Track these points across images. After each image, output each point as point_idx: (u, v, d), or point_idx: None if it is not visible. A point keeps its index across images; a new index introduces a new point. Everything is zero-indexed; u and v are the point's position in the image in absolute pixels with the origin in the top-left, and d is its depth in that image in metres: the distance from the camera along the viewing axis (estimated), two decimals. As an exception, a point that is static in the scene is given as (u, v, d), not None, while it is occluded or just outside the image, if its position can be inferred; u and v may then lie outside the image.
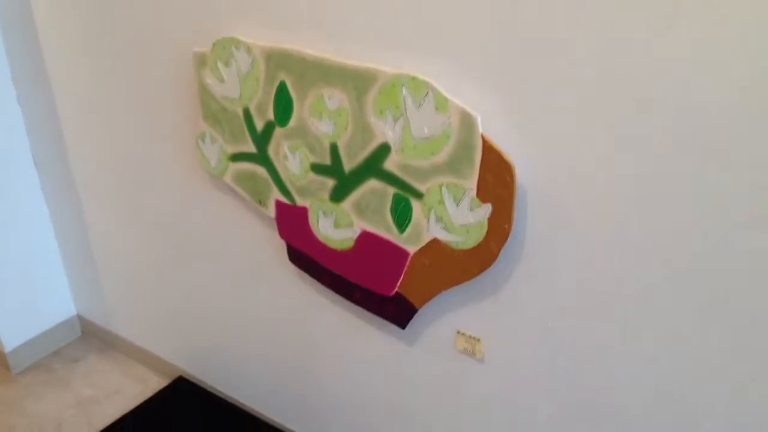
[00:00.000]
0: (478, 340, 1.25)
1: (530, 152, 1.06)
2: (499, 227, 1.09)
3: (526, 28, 0.98)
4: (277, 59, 1.24)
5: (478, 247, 1.13)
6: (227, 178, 1.46)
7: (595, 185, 1.02)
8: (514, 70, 1.02)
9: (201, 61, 1.37)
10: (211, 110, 1.40)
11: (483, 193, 1.08)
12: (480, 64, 1.05)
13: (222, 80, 1.34)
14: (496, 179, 1.06)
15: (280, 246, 1.50)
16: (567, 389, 1.19)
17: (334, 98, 1.19)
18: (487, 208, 1.09)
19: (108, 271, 2.07)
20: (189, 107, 1.50)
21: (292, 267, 1.51)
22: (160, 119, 1.59)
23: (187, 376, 2.08)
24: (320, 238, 1.34)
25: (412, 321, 1.33)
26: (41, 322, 2.23)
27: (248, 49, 1.27)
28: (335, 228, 1.30)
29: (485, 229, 1.11)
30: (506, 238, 1.09)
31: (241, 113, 1.35)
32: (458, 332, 1.28)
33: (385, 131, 1.15)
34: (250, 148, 1.37)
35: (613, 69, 0.93)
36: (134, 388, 2.11)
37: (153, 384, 2.13)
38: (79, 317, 2.32)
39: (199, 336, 1.91)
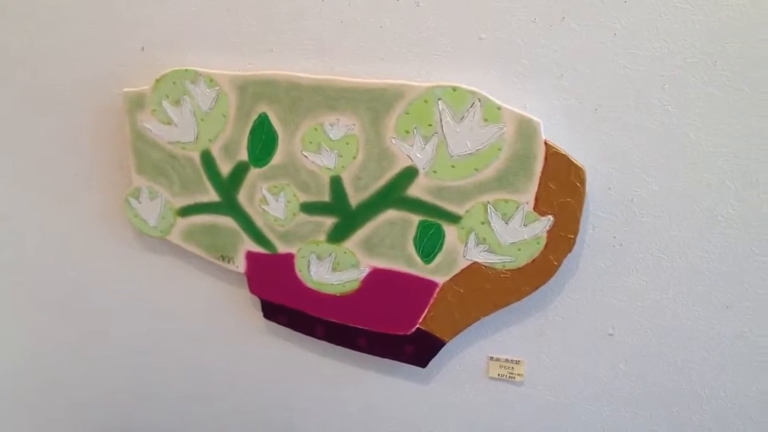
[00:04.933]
0: (518, 362, 1.08)
1: (591, 152, 0.92)
2: (562, 238, 0.95)
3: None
4: (256, 89, 0.99)
5: (533, 263, 0.97)
6: (174, 237, 1.15)
7: (666, 184, 0.92)
8: (567, 60, 0.90)
9: (135, 103, 1.07)
10: (151, 160, 1.10)
11: (543, 204, 0.93)
12: (528, 64, 0.91)
13: (169, 122, 1.06)
14: (562, 187, 0.91)
15: (242, 304, 1.20)
16: (631, 391, 1.07)
17: (340, 125, 0.96)
18: (546, 221, 0.92)
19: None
20: (107, 159, 1.16)
21: (260, 324, 1.26)
22: (61, 181, 1.22)
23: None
24: (311, 285, 1.09)
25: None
26: None
27: (211, 82, 1.00)
28: (334, 272, 1.06)
29: (543, 242, 0.95)
30: (571, 249, 0.95)
31: (197, 158, 1.06)
32: (491, 358, 1.09)
33: (412, 153, 0.95)
34: (211, 197, 1.09)
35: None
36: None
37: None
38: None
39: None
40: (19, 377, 1.58)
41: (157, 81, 1.05)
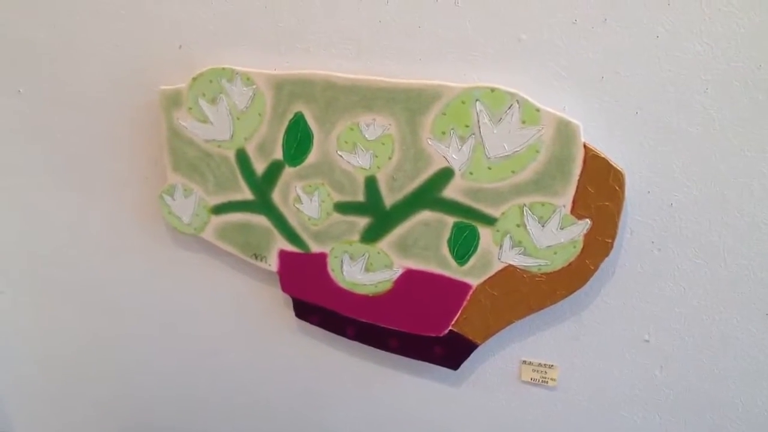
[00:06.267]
0: (551, 366, 1.07)
1: (630, 155, 0.90)
2: (599, 242, 0.93)
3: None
4: (293, 88, 0.99)
5: (568, 267, 0.95)
6: (207, 235, 1.16)
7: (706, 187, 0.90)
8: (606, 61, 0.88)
9: (172, 100, 1.07)
10: (186, 158, 1.10)
11: (580, 208, 0.91)
12: (568, 65, 0.90)
13: (205, 121, 1.06)
14: (600, 190, 0.90)
15: (274, 303, 1.20)
16: (666, 398, 1.06)
17: (376, 125, 0.96)
18: (584, 224, 0.91)
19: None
20: (143, 156, 1.19)
21: (291, 323, 1.26)
22: (100, 175, 1.23)
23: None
24: (344, 285, 1.09)
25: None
26: None
27: (248, 80, 1.00)
28: (366, 272, 1.06)
29: (579, 246, 0.93)
30: (608, 253, 0.94)
31: (232, 157, 1.06)
32: (524, 362, 1.09)
33: (448, 155, 0.94)
34: (245, 195, 1.09)
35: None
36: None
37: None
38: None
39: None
40: (48, 372, 1.60)
41: (194, 79, 1.05)
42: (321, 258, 1.11)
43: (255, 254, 1.16)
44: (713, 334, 0.97)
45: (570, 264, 0.96)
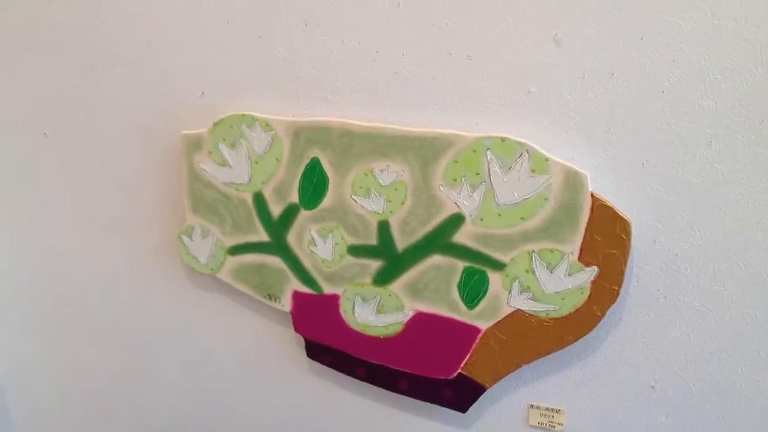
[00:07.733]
0: (558, 411, 1.08)
1: (637, 205, 0.92)
2: (606, 289, 0.95)
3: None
4: (309, 134, 1.01)
5: (576, 313, 0.97)
6: (223, 275, 1.18)
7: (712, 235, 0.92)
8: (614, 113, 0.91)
9: (194, 145, 1.10)
10: (206, 200, 1.13)
11: (587, 255, 0.93)
12: (576, 117, 0.93)
13: (225, 164, 1.08)
14: (607, 239, 0.91)
15: (286, 343, 1.22)
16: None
17: (390, 171, 0.98)
18: (591, 272, 0.92)
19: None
20: (163, 197, 1.22)
21: (303, 363, 1.27)
22: (119, 214, 1.26)
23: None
24: (355, 327, 1.11)
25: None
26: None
27: (267, 126, 1.03)
28: (378, 314, 1.07)
29: (587, 293, 0.95)
30: (615, 300, 0.95)
31: (250, 199, 1.09)
32: (531, 406, 1.09)
33: (459, 201, 0.96)
34: (261, 237, 1.12)
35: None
36: None
37: None
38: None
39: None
40: (65, 410, 1.61)
41: (215, 124, 1.08)
42: (333, 299, 1.13)
43: (269, 295, 1.18)
44: (718, 381, 0.98)
45: (577, 310, 0.98)
